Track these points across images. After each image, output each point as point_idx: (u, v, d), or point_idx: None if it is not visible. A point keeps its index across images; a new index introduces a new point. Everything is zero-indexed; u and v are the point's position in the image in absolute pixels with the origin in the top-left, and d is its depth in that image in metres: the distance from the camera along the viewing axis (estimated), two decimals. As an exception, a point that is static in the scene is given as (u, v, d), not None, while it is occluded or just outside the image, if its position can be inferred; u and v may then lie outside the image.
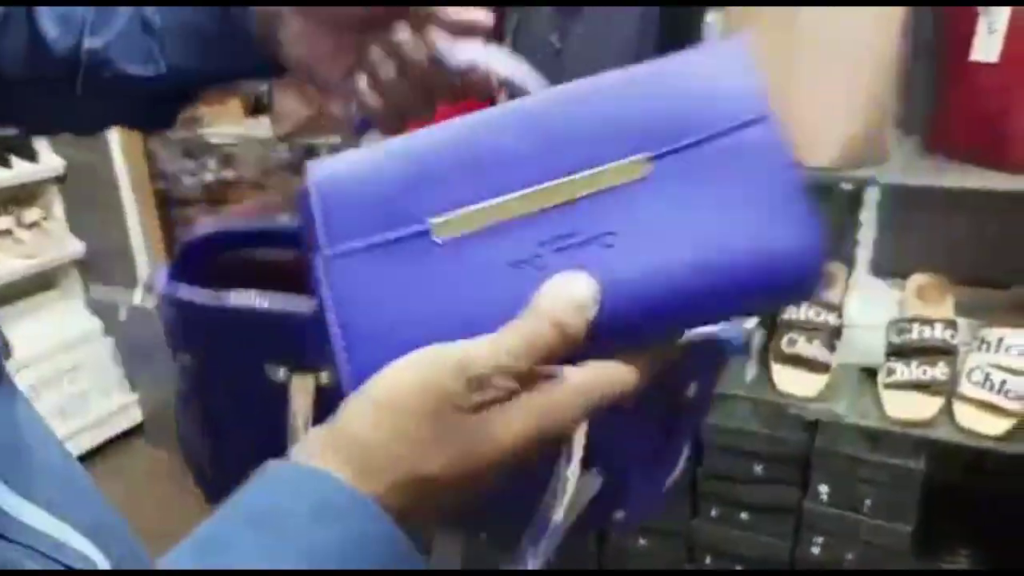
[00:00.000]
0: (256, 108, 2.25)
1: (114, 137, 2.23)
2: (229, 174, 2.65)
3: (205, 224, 0.54)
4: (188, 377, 0.56)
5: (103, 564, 0.37)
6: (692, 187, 0.37)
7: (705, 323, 0.39)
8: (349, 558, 0.32)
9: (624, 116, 0.38)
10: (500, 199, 0.37)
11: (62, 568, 0.35)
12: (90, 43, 0.55)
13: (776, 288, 0.37)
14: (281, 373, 0.50)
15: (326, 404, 0.37)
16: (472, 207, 0.37)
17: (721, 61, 0.39)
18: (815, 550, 1.40)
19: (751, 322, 0.44)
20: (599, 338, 0.35)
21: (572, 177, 0.37)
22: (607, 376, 0.35)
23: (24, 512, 0.35)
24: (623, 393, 0.36)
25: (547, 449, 0.36)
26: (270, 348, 0.50)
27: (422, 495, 0.34)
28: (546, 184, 0.37)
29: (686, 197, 0.37)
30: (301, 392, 0.49)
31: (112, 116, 0.63)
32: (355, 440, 0.34)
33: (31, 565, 0.34)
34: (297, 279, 0.43)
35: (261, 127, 1.59)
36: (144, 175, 2.34)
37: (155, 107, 0.59)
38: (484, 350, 0.34)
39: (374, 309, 0.37)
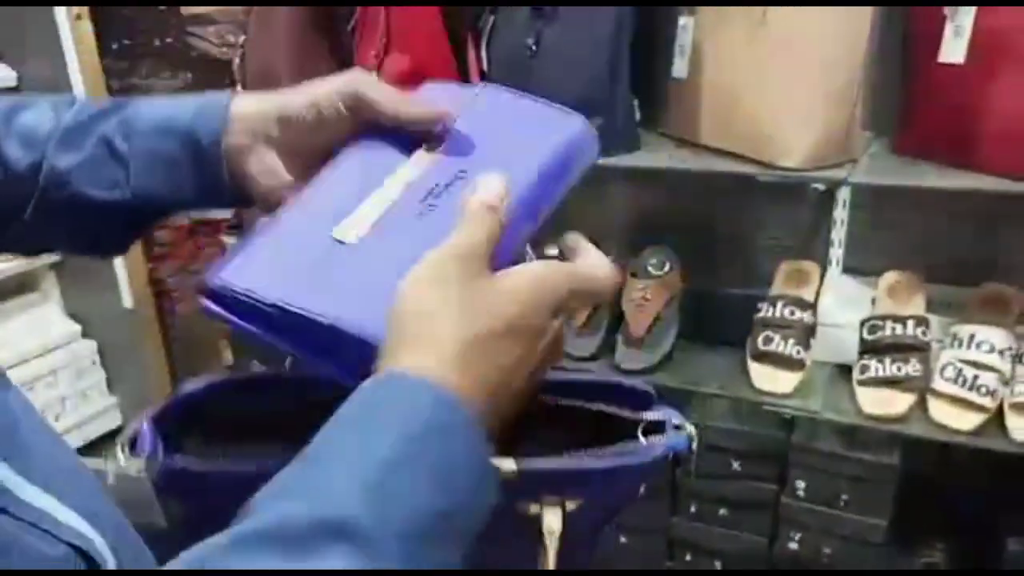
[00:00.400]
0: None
1: (91, 140, 2.22)
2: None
3: (189, 382, 0.53)
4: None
5: (99, 542, 0.40)
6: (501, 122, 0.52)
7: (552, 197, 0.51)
8: (428, 431, 0.35)
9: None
10: (378, 190, 0.47)
11: (61, 543, 0.38)
12: (52, 163, 0.52)
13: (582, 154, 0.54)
14: None
15: None
16: (361, 206, 0.46)
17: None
18: (793, 545, 1.42)
19: (690, 428, 0.50)
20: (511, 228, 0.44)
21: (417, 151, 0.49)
22: (582, 267, 0.45)
23: (25, 491, 0.38)
24: (602, 282, 0.45)
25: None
26: None
27: (475, 358, 0.38)
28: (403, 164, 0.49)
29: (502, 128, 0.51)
30: None
31: (60, 238, 0.59)
32: (407, 333, 0.39)
33: (30, 540, 0.36)
34: (286, 429, 0.44)
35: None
36: (122, 178, 2.33)
37: (110, 232, 0.56)
38: (458, 244, 0.41)
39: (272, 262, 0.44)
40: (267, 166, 0.52)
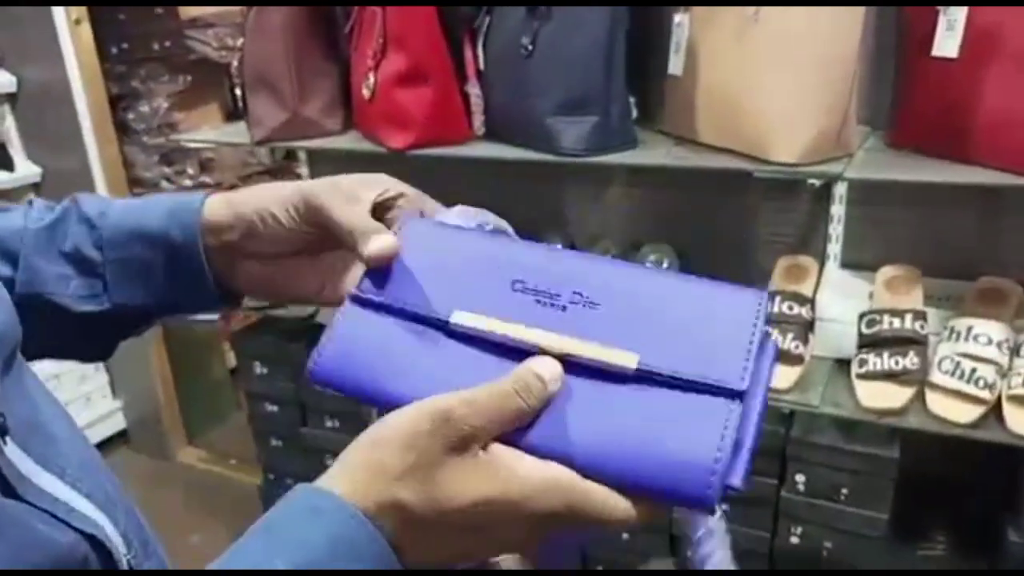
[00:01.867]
0: (234, 113, 2.25)
1: (91, 143, 2.23)
2: (208, 180, 2.65)
3: None
4: None
5: (111, 531, 0.41)
6: (651, 403, 0.42)
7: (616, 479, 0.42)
8: (336, 554, 0.36)
9: (638, 316, 0.44)
10: (513, 324, 0.45)
11: (73, 530, 0.39)
12: (26, 276, 0.52)
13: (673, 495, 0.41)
14: None
15: None
16: (488, 318, 0.45)
17: (736, 317, 0.44)
18: (794, 539, 1.43)
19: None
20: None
21: (575, 340, 0.44)
22: (596, 495, 0.40)
23: (41, 479, 0.39)
24: (608, 520, 0.40)
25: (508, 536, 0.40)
26: None
27: (404, 523, 0.38)
28: (551, 333, 0.44)
29: (643, 407, 0.42)
30: None
31: (44, 347, 0.54)
32: (348, 466, 0.40)
33: (42, 527, 0.37)
34: None
35: (239, 132, 1.59)
36: (122, 182, 2.34)
37: (93, 340, 0.56)
38: (457, 400, 0.40)
39: (363, 349, 0.46)
40: (255, 274, 0.54)
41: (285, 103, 1.49)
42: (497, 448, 0.40)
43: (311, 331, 1.79)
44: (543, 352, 0.43)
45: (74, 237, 0.53)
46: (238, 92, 1.55)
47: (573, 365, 0.43)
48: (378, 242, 0.48)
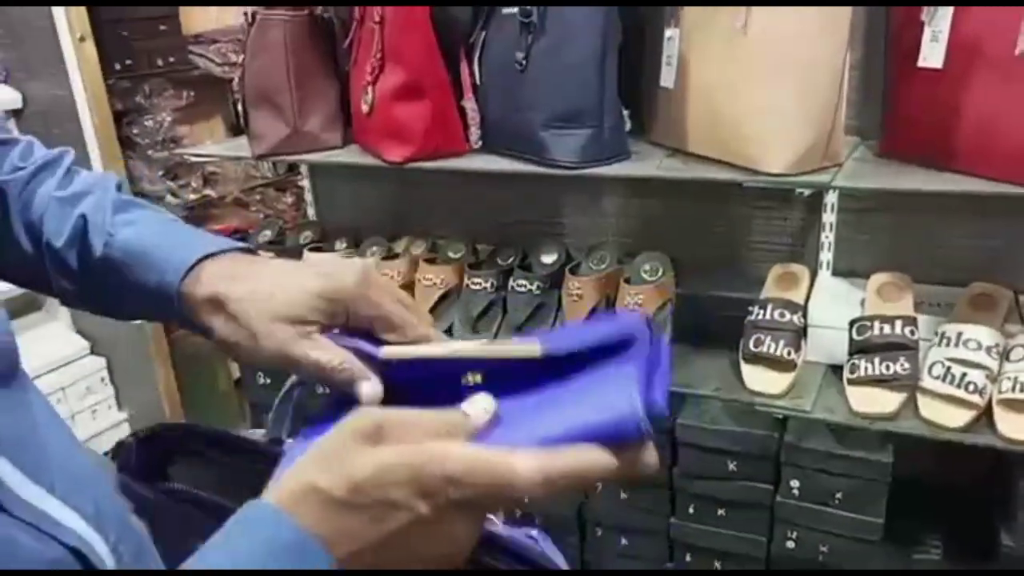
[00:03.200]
0: (237, 127, 2.28)
1: (96, 159, 2.26)
2: (211, 193, 2.68)
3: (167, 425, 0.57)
4: None
5: (100, 545, 0.42)
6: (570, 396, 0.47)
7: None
8: (253, 548, 0.38)
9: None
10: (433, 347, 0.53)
11: (59, 544, 0.40)
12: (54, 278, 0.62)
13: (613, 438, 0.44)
14: None
15: None
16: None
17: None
18: (789, 544, 1.44)
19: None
20: None
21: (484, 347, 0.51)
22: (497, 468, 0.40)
23: (30, 493, 0.39)
24: (512, 480, 0.40)
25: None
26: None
27: (322, 506, 0.39)
28: (467, 343, 0.52)
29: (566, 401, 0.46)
30: None
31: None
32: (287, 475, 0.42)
33: (26, 540, 0.38)
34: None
35: (241, 147, 1.62)
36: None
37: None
38: (396, 414, 0.42)
39: None
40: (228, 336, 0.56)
41: (286, 118, 1.52)
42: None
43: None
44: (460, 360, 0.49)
45: (90, 241, 0.59)
46: (240, 108, 1.58)
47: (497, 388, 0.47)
48: (368, 389, 0.52)
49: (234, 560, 0.38)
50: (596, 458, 0.41)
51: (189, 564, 0.38)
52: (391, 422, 0.41)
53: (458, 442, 0.41)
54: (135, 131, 2.45)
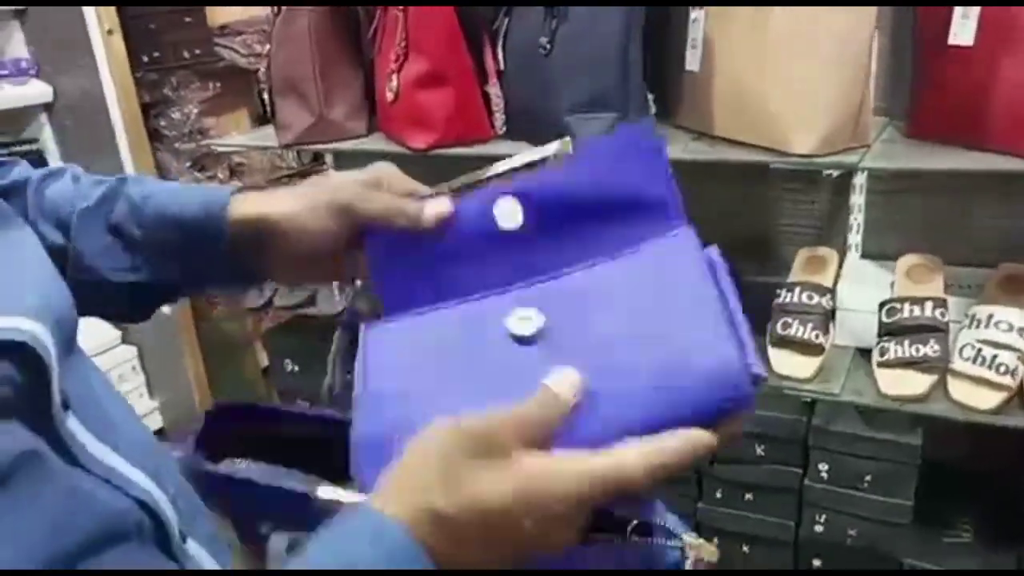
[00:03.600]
0: (263, 118, 2.30)
1: (125, 150, 2.29)
2: (238, 184, 2.70)
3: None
4: None
5: (162, 499, 0.45)
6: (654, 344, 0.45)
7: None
8: (371, 559, 0.39)
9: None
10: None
11: (126, 496, 0.43)
12: (74, 247, 0.59)
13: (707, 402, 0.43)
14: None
15: None
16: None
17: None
18: (818, 528, 1.44)
19: (687, 540, 0.48)
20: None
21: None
22: (611, 467, 0.41)
23: (98, 450, 0.43)
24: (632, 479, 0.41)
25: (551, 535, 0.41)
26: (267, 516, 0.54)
27: (442, 531, 0.39)
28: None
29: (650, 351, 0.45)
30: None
31: (88, 309, 0.59)
32: (388, 478, 0.42)
33: (102, 493, 0.42)
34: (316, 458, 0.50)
35: (267, 136, 1.63)
36: (156, 187, 2.40)
37: (136, 304, 0.63)
38: (496, 417, 0.42)
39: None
40: (272, 259, 0.58)
41: (311, 107, 1.53)
42: (525, 454, 0.41)
43: (341, 329, 1.83)
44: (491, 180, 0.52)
45: (120, 215, 0.59)
46: (266, 97, 1.59)
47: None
48: (432, 208, 0.54)
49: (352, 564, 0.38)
50: (699, 442, 0.42)
51: (296, 564, 0.40)
52: (493, 429, 0.41)
53: (572, 461, 0.41)
54: (162, 123, 2.48)
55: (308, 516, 0.45)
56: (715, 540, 1.57)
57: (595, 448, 0.41)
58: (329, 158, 1.96)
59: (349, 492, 0.47)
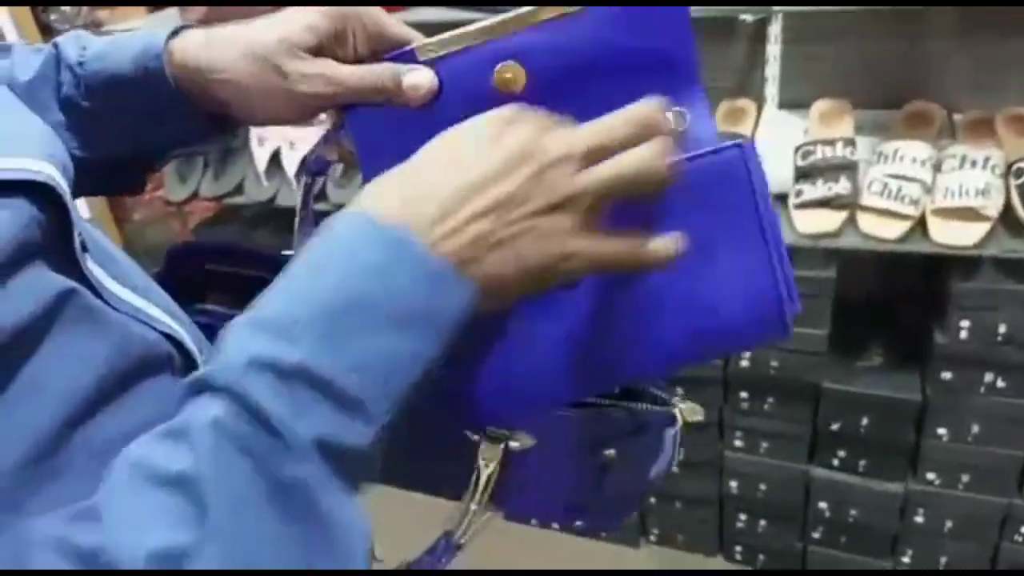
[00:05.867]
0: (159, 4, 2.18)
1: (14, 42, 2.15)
2: (176, 24, 2.57)
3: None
4: None
5: (181, 332, 0.47)
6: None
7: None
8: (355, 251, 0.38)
9: None
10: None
11: (152, 329, 0.44)
12: None
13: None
14: None
15: None
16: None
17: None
18: (744, 363, 1.53)
19: (677, 405, 0.52)
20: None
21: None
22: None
23: (119, 291, 0.44)
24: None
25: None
26: None
27: (418, 198, 0.39)
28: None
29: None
30: None
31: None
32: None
33: (134, 328, 0.43)
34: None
35: (172, 18, 1.56)
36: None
37: (113, 178, 0.58)
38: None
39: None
40: (234, 107, 0.52)
41: None
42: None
43: (273, 216, 1.81)
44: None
45: (65, 86, 0.53)
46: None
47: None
48: (414, 80, 0.49)
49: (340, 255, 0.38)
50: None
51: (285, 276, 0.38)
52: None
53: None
54: (53, 17, 2.33)
55: None
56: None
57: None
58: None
59: None
